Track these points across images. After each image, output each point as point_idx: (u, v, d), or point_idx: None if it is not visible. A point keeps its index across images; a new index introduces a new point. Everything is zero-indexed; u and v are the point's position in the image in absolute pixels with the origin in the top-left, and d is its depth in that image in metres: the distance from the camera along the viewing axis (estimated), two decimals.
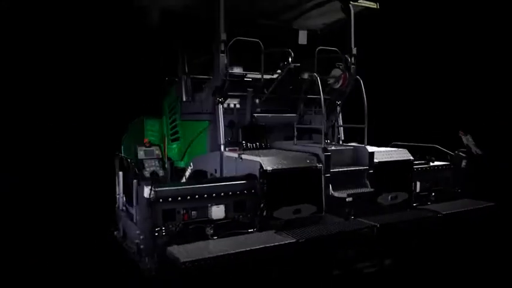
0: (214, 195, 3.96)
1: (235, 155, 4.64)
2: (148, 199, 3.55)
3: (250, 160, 4.34)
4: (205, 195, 3.91)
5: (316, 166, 4.40)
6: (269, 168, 4.13)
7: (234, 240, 3.72)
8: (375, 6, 6.21)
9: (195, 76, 6.02)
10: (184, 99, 6.05)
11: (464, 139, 5.64)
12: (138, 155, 3.77)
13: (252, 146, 5.30)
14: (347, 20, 5.95)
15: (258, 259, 3.52)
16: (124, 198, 4.70)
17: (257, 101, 5.51)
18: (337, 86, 5.49)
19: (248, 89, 5.32)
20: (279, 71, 5.51)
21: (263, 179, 4.13)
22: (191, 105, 5.90)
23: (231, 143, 5.22)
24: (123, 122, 7.41)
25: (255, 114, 5.52)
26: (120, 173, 4.70)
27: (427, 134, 6.38)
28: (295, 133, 5.11)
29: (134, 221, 4.03)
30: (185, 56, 6.10)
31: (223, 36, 4.91)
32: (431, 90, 8.97)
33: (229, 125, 5.38)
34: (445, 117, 8.33)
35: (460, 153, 5.71)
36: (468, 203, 5.19)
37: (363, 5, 6.05)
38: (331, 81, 5.55)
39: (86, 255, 5.55)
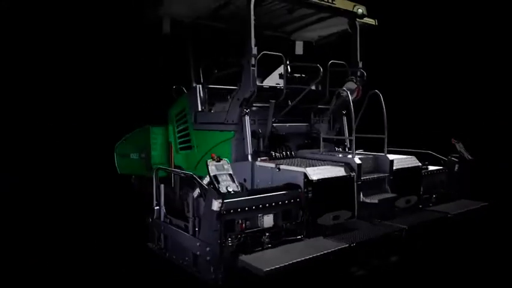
0: (267, 205, 4.16)
1: (271, 165, 4.87)
2: (217, 212, 3.68)
3: (292, 170, 4.58)
4: (260, 206, 4.10)
5: (350, 175, 4.75)
6: (315, 178, 4.40)
7: (296, 247, 3.95)
8: (374, 23, 6.71)
9: (211, 86, 6.14)
10: (199, 108, 6.15)
11: (457, 146, 6.29)
12: (210, 170, 3.86)
13: (279, 155, 5.54)
14: (352, 35, 6.37)
15: (324, 263, 3.78)
16: (164, 209, 4.75)
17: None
18: (352, 98, 5.87)
19: (270, 101, 5.54)
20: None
21: (308, 188, 4.39)
22: (209, 115, 6.01)
23: (256, 153, 5.41)
24: (123, 124, 7.45)
25: (274, 124, 5.77)
26: (162, 186, 4.73)
27: (416, 140, 7.00)
28: (322, 142, 5.42)
29: (191, 232, 4.11)
30: (200, 66, 6.20)
31: (255, 51, 5.11)
32: (419, 98, 9.63)
33: (252, 135, 5.57)
34: (430, 124, 9.04)
35: (453, 158, 6.34)
36: (468, 204, 5.79)
37: (365, 21, 6.51)
38: (344, 93, 5.93)
39: (119, 265, 5.45)
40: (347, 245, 4.04)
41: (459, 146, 6.32)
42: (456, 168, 6.33)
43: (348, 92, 5.77)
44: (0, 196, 7.35)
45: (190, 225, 4.12)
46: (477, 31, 9.00)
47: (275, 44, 7.28)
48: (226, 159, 4.06)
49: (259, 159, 5.14)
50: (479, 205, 5.79)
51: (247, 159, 5.31)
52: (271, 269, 3.39)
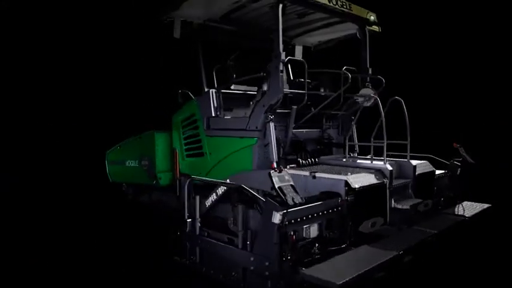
0: (315, 214, 4.07)
1: (303, 172, 4.78)
2: (278, 224, 3.54)
3: (331, 178, 4.52)
4: (310, 216, 4.01)
5: (383, 181, 4.78)
6: (357, 186, 4.38)
7: (352, 256, 3.90)
8: (378, 30, 6.83)
9: (225, 91, 5.94)
10: (213, 114, 5.93)
11: (460, 150, 6.54)
12: (275, 181, 3.68)
13: (305, 162, 5.45)
14: (362, 42, 6.43)
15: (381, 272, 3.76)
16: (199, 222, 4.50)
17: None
18: (368, 104, 5.92)
19: (293, 106, 5.46)
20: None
21: (350, 196, 4.35)
22: (225, 120, 5.81)
23: (281, 160, 5.30)
24: (122, 124, 7.34)
25: (293, 130, 5.68)
26: (197, 197, 4.48)
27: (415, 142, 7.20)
28: (347, 149, 5.41)
29: (240, 246, 3.92)
30: (213, 69, 5.98)
31: (283, 56, 5.00)
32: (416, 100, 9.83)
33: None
34: (428, 126, 9.27)
35: (455, 162, 6.59)
36: (476, 206, 6.05)
37: (371, 28, 6.61)
38: (360, 99, 5.97)
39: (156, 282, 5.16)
40: (398, 253, 4.04)
41: (462, 150, 6.58)
42: (458, 171, 6.58)
43: (365, 99, 5.85)
44: (0, 196, 7.34)
45: (239, 238, 3.92)
46: (474, 31, 9.24)
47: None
48: (286, 170, 3.89)
49: (288, 166, 5.03)
50: (485, 207, 6.06)
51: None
52: (346, 281, 3.31)
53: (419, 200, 5.15)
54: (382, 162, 5.04)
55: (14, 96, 8.26)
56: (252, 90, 6.55)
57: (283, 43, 7.21)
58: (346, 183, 4.36)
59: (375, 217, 4.63)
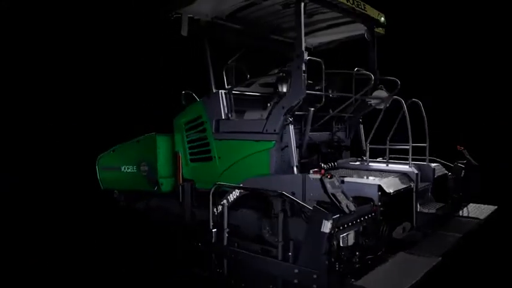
0: (354, 222, 3.88)
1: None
2: (327, 233, 3.32)
3: (362, 183, 4.35)
4: (350, 223, 3.81)
5: (411, 185, 4.67)
6: (391, 190, 4.23)
7: (395, 265, 3.74)
8: (382, 32, 6.77)
9: (237, 92, 5.66)
10: (223, 116, 5.63)
11: (464, 153, 6.58)
12: (328, 188, 3.44)
13: (326, 166, 5.26)
14: (370, 43, 6.33)
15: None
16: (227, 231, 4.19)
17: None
18: (382, 106, 5.81)
19: (309, 108, 5.27)
20: None
21: (383, 201, 4.20)
22: (238, 123, 5.53)
23: (302, 164, 5.09)
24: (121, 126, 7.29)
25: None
26: (225, 205, 4.17)
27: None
28: (368, 152, 5.26)
29: (280, 258, 3.66)
30: (224, 70, 5.69)
31: (306, 56, 4.79)
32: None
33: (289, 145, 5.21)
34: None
35: (459, 165, 6.62)
36: (484, 208, 6.09)
37: (377, 30, 6.53)
38: (373, 101, 5.86)
39: None
40: (438, 258, 3.93)
41: (466, 153, 6.62)
42: (462, 174, 6.62)
43: (379, 101, 5.75)
44: (0, 196, 7.37)
45: (279, 249, 3.65)
46: (471, 31, 9.26)
47: (277, 48, 7.05)
48: (336, 176, 3.66)
49: (311, 171, 4.81)
50: (493, 209, 6.12)
51: (292, 172, 4.96)
52: None
53: (442, 204, 5.10)
54: (405, 166, 4.92)
55: (14, 96, 8.23)
56: (257, 91, 6.32)
57: (283, 43, 7.15)
58: (380, 188, 4.21)
59: (404, 222, 4.51)
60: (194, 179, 6.05)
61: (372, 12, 5.89)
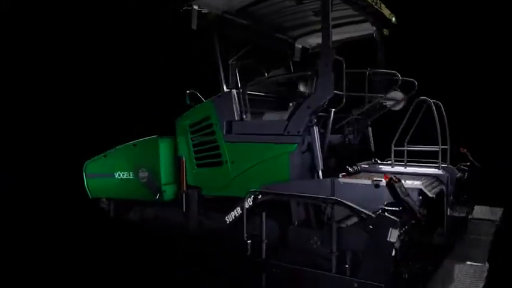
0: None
1: (364, 181, 4.33)
2: (394, 243, 3.05)
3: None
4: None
5: (443, 188, 4.52)
6: (432, 194, 4.04)
7: (449, 274, 3.53)
8: (386, 33, 6.66)
9: (252, 92, 5.31)
10: (236, 117, 5.25)
11: (468, 155, 6.59)
12: (400, 193, 3.14)
13: (351, 170, 4.99)
14: (379, 44, 6.18)
15: None
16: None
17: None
18: (397, 108, 5.66)
19: (330, 109, 5.02)
20: None
21: (425, 205, 4.01)
22: (254, 124, 5.18)
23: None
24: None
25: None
26: (263, 214, 3.77)
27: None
28: (393, 155, 5.06)
29: (334, 270, 3.34)
30: (236, 68, 5.32)
31: (334, 53, 4.53)
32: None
33: (309, 149, 4.94)
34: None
35: (463, 167, 6.62)
36: (492, 210, 6.10)
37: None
38: (389, 103, 5.69)
39: None
40: (485, 264, 3.78)
41: (469, 155, 6.63)
42: (466, 176, 6.63)
43: (394, 103, 5.59)
44: (0, 196, 7.41)
45: (333, 261, 3.33)
46: (469, 31, 9.29)
47: (281, 47, 6.78)
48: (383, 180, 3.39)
49: (340, 175, 4.55)
50: (500, 210, 6.15)
51: (317, 176, 4.69)
52: None
53: (468, 208, 5.00)
54: (434, 169, 4.77)
55: (14, 96, 8.26)
56: (266, 91, 6.00)
57: (284, 42, 6.88)
58: (421, 192, 4.00)
59: (438, 226, 4.35)
60: (201, 185, 5.60)
61: (386, 11, 5.75)
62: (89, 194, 6.45)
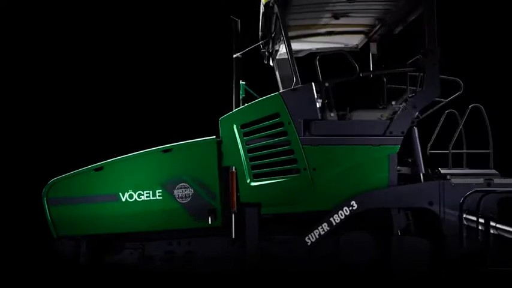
0: None
1: (476, 180, 4.35)
2: None
3: None
4: None
5: None
6: None
7: None
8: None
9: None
10: (319, 116, 4.42)
11: None
12: None
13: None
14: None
15: None
16: None
17: None
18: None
19: None
20: None
21: None
22: (346, 124, 4.46)
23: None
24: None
25: None
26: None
27: None
28: (450, 158, 5.13)
29: None
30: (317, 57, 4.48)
31: (440, 52, 4.44)
32: None
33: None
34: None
35: None
36: None
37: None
38: None
39: None
40: None
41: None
42: None
43: None
44: (0, 196, 7.54)
45: None
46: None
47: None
48: None
49: (448, 176, 4.43)
50: None
51: (419, 180, 4.46)
52: None
53: None
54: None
55: (14, 96, 8.44)
56: None
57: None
58: None
59: None
60: (260, 201, 4.37)
61: None
62: (54, 232, 4.06)
